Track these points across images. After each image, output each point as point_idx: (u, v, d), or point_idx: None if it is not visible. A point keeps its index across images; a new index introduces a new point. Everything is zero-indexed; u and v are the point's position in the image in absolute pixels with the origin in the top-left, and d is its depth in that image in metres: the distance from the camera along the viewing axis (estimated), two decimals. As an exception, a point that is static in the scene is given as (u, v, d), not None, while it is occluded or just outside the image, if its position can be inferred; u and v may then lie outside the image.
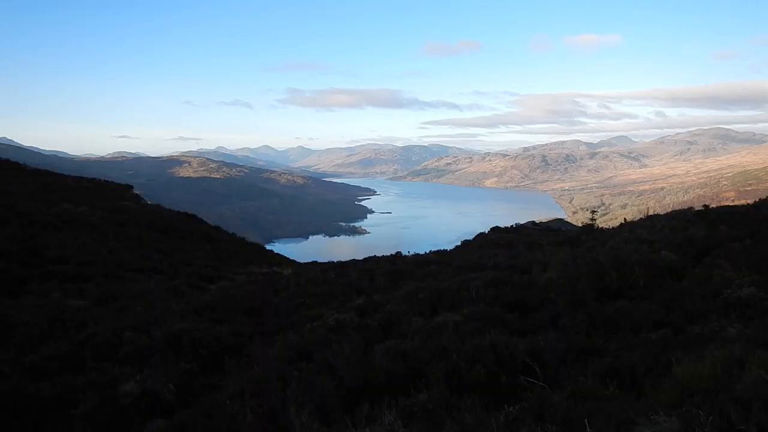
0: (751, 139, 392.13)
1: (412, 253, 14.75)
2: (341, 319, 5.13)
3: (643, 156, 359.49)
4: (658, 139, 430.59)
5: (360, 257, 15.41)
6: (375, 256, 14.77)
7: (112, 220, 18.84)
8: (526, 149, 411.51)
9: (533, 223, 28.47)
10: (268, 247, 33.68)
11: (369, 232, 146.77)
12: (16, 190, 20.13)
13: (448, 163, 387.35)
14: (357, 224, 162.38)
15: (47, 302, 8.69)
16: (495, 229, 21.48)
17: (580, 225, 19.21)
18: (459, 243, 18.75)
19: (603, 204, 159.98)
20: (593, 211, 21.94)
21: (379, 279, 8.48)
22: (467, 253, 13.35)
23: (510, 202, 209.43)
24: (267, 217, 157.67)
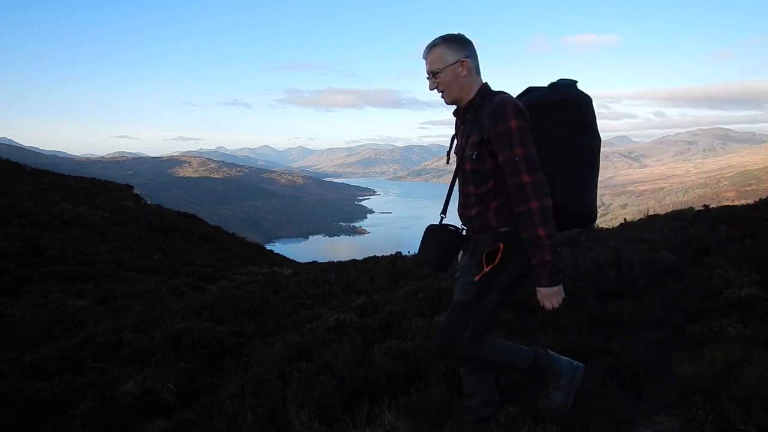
0: (751, 139, 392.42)
1: (412, 253, 14.76)
2: (341, 319, 5.13)
3: (643, 156, 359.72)
4: (658, 139, 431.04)
5: (360, 257, 15.41)
6: (375, 256, 14.78)
7: (112, 220, 18.84)
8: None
9: (533, 223, 28.41)
10: (268, 247, 33.70)
11: (369, 232, 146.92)
12: (16, 190, 20.14)
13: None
14: (357, 224, 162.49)
15: (47, 302, 8.69)
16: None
17: (580, 225, 19.17)
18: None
19: (603, 204, 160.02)
20: (593, 211, 21.90)
21: (379, 279, 8.49)
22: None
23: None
24: (267, 217, 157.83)
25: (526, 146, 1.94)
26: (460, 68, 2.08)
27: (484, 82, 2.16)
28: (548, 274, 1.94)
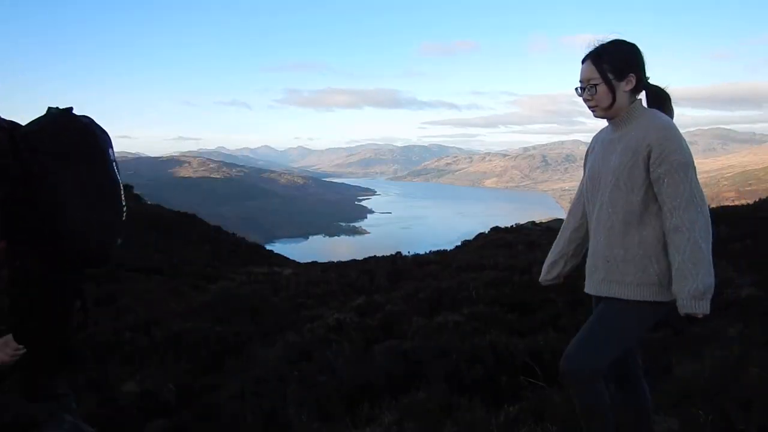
0: (751, 139, 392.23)
1: (412, 253, 14.74)
2: (341, 319, 5.14)
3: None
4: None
5: (360, 257, 15.40)
6: (375, 256, 14.76)
7: (112, 220, 18.82)
8: (526, 149, 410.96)
9: (533, 223, 28.44)
10: (268, 247, 33.67)
11: (369, 232, 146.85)
12: (16, 190, 20.12)
13: (448, 163, 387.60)
14: (357, 224, 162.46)
15: (47, 302, 8.68)
16: (495, 230, 21.48)
17: (580, 225, 19.13)
18: (459, 243, 18.73)
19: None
20: (593, 211, 21.87)
21: (379, 279, 8.49)
22: (467, 253, 13.35)
23: (510, 202, 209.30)
24: (267, 217, 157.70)
25: None
26: None
27: None
28: None
